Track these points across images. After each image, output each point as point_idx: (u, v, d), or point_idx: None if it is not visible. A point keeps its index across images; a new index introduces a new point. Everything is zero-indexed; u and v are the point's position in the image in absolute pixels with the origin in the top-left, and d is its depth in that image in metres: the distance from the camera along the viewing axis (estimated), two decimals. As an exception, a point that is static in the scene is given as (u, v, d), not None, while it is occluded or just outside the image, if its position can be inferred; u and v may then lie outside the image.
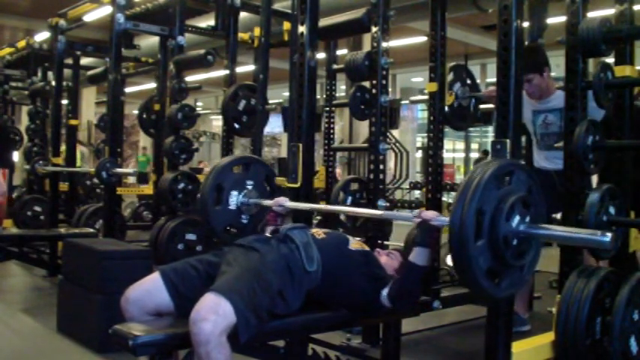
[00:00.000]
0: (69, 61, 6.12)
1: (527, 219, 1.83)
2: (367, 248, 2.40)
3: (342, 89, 8.87)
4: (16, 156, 8.04)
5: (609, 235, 1.71)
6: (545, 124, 3.39)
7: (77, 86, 6.45)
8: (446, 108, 3.44)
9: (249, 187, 2.72)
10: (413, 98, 10.13)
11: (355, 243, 2.35)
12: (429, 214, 2.13)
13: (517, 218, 1.80)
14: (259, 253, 2.12)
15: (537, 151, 3.52)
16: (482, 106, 3.65)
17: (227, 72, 4.51)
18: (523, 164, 1.99)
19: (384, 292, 2.22)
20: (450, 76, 3.46)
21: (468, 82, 3.56)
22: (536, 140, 3.50)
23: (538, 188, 1.94)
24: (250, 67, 5.52)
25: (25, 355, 3.10)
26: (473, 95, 3.53)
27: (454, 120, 3.52)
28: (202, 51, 4.34)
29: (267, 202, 2.65)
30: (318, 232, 2.32)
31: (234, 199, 2.68)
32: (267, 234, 2.31)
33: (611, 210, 2.42)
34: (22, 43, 6.82)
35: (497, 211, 1.77)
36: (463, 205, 1.73)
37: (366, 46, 4.89)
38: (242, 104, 4.27)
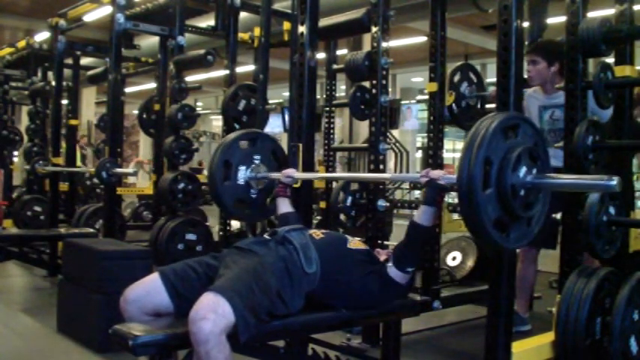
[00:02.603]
0: (69, 61, 6.11)
1: (534, 171, 1.84)
2: (366, 247, 2.40)
3: (342, 89, 8.87)
4: (16, 156, 8.04)
5: (615, 179, 1.71)
6: (552, 120, 3.38)
7: (77, 86, 6.45)
8: (454, 107, 3.44)
9: (257, 162, 2.75)
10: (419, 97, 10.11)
11: (354, 242, 2.35)
12: (436, 173, 2.16)
13: (524, 169, 1.81)
14: (258, 255, 2.12)
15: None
16: (485, 106, 3.65)
17: (227, 72, 4.51)
18: (529, 119, 1.99)
19: (389, 264, 2.25)
20: (456, 76, 3.45)
21: (475, 81, 3.55)
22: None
23: (543, 143, 1.95)
24: (250, 67, 5.52)
25: (25, 355, 3.10)
26: (479, 95, 3.53)
27: (462, 119, 3.52)
28: (202, 51, 4.34)
29: (275, 175, 2.69)
30: (317, 233, 2.32)
31: (243, 173, 2.71)
32: (266, 235, 2.32)
33: (611, 210, 2.42)
34: (22, 43, 6.82)
35: (504, 161, 1.78)
36: (471, 155, 1.73)
37: (366, 46, 4.89)
38: (242, 104, 4.27)
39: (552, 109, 3.37)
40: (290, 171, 2.64)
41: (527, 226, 1.91)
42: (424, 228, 2.21)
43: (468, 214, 1.76)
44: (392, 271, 2.26)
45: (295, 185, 2.85)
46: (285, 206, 2.61)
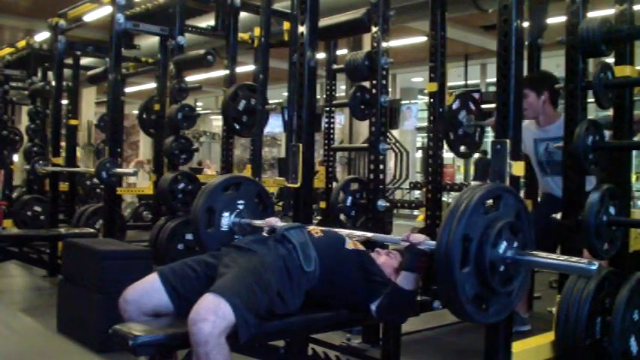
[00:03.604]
0: (69, 61, 6.11)
1: (515, 244, 1.80)
2: (363, 248, 2.39)
3: (342, 89, 8.87)
4: (16, 156, 8.05)
5: (596, 264, 1.69)
6: (548, 153, 3.40)
7: (77, 86, 6.45)
8: (450, 135, 3.40)
9: (241, 207, 2.68)
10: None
11: (351, 242, 2.35)
12: (417, 238, 2.13)
13: (504, 244, 1.77)
14: (257, 254, 2.12)
15: (544, 177, 3.55)
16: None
17: (227, 72, 4.51)
18: (511, 188, 1.94)
19: (373, 306, 2.21)
20: (455, 104, 3.43)
21: (474, 110, 3.51)
22: (541, 168, 3.52)
23: (527, 213, 1.90)
24: (250, 67, 5.52)
25: (25, 355, 3.10)
26: (477, 124, 3.50)
27: (457, 146, 3.50)
28: (202, 51, 4.34)
29: (258, 223, 2.61)
30: (316, 230, 2.33)
31: (226, 220, 2.65)
32: (265, 234, 2.31)
33: (611, 210, 2.42)
34: (22, 43, 6.82)
35: (483, 237, 1.74)
36: (449, 231, 1.70)
37: (366, 46, 4.89)
38: (242, 104, 4.27)
39: (547, 142, 3.39)
40: (273, 220, 2.54)
41: (508, 299, 1.87)
42: (406, 292, 2.15)
43: (446, 291, 1.73)
44: (374, 314, 2.23)
45: (295, 185, 2.85)
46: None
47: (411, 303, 2.21)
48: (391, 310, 2.20)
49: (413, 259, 2.13)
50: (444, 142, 3.45)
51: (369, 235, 2.55)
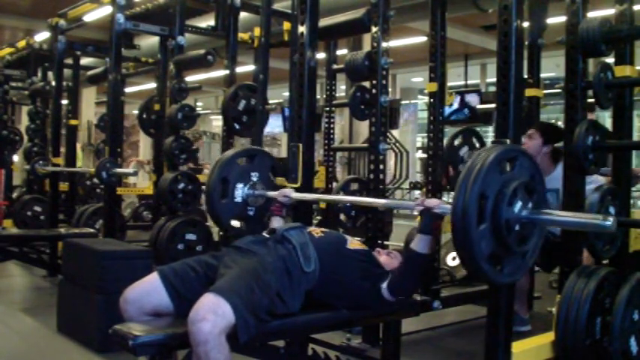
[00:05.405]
0: (69, 61, 6.12)
1: (530, 205, 1.82)
2: (365, 247, 2.39)
3: (342, 89, 8.87)
4: (16, 156, 8.05)
5: (611, 219, 1.70)
6: None
7: (77, 86, 6.45)
8: (450, 171, 3.38)
9: (254, 179, 2.73)
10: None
11: (353, 242, 2.35)
12: (432, 202, 2.15)
13: (519, 203, 1.79)
14: (257, 255, 2.12)
15: None
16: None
17: (227, 72, 4.51)
18: (526, 151, 1.97)
19: (384, 284, 2.23)
20: (457, 140, 3.41)
21: (477, 146, 3.48)
22: None
23: (540, 176, 1.93)
24: (250, 67, 5.52)
25: (25, 355, 3.10)
26: None
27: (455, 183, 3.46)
28: (202, 51, 4.35)
29: (272, 194, 2.67)
30: (316, 231, 2.32)
31: (240, 191, 2.69)
32: (265, 234, 2.31)
33: (611, 210, 2.42)
34: (22, 43, 6.82)
35: (499, 196, 1.76)
36: (466, 189, 1.72)
37: (366, 46, 4.89)
38: (242, 104, 4.27)
39: None
40: (287, 191, 2.63)
41: (522, 260, 1.89)
42: (422, 256, 2.18)
43: (462, 249, 1.74)
44: (385, 293, 2.24)
45: (295, 185, 2.86)
46: (277, 225, 2.56)
47: (426, 267, 2.22)
48: (405, 276, 2.21)
49: (428, 223, 2.15)
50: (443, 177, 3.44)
51: (382, 202, 2.57)
